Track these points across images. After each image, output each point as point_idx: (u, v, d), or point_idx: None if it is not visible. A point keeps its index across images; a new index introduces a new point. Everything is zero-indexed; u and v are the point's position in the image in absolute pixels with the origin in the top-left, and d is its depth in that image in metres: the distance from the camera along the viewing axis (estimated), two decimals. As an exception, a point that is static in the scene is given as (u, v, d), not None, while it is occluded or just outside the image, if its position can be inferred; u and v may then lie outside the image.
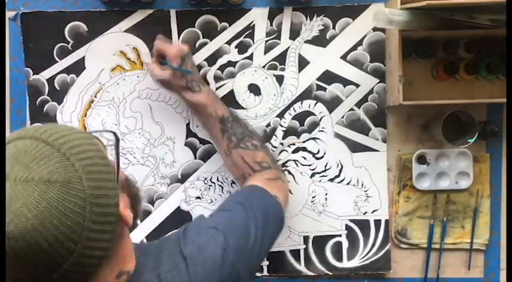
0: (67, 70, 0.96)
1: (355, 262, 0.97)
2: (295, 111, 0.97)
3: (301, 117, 0.97)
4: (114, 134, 0.63)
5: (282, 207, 0.82)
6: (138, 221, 0.96)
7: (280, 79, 0.96)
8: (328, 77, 0.96)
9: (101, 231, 0.53)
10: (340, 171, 0.97)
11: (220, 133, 0.88)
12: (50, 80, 0.96)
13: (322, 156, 0.97)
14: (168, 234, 0.75)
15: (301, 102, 0.97)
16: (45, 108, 0.96)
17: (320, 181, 0.97)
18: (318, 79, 0.96)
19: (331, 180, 0.97)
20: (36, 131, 0.54)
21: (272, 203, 0.80)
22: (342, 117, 0.97)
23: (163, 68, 0.87)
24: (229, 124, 0.87)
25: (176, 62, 0.85)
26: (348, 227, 0.97)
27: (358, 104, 0.97)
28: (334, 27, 0.96)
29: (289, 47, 0.96)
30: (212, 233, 0.69)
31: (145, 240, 0.96)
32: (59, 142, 0.53)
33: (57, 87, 0.96)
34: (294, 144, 0.97)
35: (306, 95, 0.96)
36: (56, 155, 0.52)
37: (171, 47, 0.87)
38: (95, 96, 0.96)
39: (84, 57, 0.96)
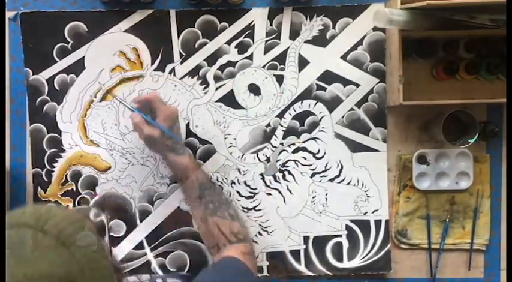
0: (67, 70, 0.96)
1: (356, 262, 0.97)
2: (295, 111, 0.97)
3: (301, 117, 0.97)
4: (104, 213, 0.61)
5: (253, 274, 0.81)
6: (138, 221, 0.96)
7: (280, 79, 0.96)
8: (328, 77, 0.96)
9: None
10: (340, 171, 0.97)
11: (197, 199, 0.88)
12: (50, 80, 0.96)
13: (322, 156, 0.97)
14: None
15: (301, 102, 0.97)
16: (44, 108, 0.96)
17: (320, 181, 0.97)
18: (318, 79, 0.96)
19: (331, 180, 0.97)
20: (31, 216, 0.50)
21: (248, 275, 0.79)
22: (342, 117, 0.97)
23: (152, 125, 0.85)
24: (207, 190, 0.87)
25: (166, 124, 0.85)
26: (348, 227, 0.97)
27: (358, 104, 0.96)
28: (334, 27, 0.96)
29: (289, 47, 0.96)
30: None
31: (145, 241, 0.96)
32: (52, 226, 0.50)
33: (57, 87, 0.96)
34: (294, 144, 0.97)
35: (306, 95, 0.96)
36: (52, 244, 0.49)
37: (165, 108, 0.86)
38: (95, 96, 0.96)
39: (83, 57, 0.96)
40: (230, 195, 0.96)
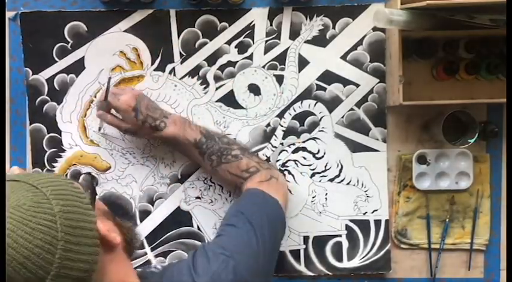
0: (67, 70, 0.96)
1: (355, 262, 0.97)
2: (295, 111, 0.97)
3: (301, 117, 0.97)
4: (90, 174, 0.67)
5: (281, 207, 0.83)
6: (138, 221, 0.96)
7: (280, 79, 0.96)
8: (328, 77, 0.96)
9: (77, 243, 0.56)
10: (340, 171, 0.97)
11: (200, 156, 0.88)
12: (50, 80, 0.96)
13: (322, 156, 0.97)
14: (174, 262, 0.75)
15: (301, 102, 0.97)
16: (44, 108, 0.96)
17: (320, 181, 0.97)
18: (318, 79, 0.96)
19: (331, 180, 0.97)
20: (23, 175, 0.60)
21: (271, 205, 0.82)
22: (342, 117, 0.97)
23: (117, 118, 0.88)
24: (204, 145, 0.88)
25: (128, 114, 0.86)
26: (348, 227, 0.97)
27: (358, 104, 0.96)
28: (334, 27, 0.96)
29: (289, 47, 0.96)
30: (221, 258, 0.71)
31: (145, 241, 0.96)
32: (30, 178, 0.58)
33: (57, 87, 0.96)
34: (294, 144, 0.97)
35: (306, 95, 0.96)
36: (24, 187, 0.57)
37: (119, 103, 0.86)
38: (95, 96, 0.96)
39: (83, 57, 0.96)
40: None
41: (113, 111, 0.89)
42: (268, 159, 0.96)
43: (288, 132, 0.97)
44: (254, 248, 0.74)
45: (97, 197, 0.66)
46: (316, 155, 0.97)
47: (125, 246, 0.67)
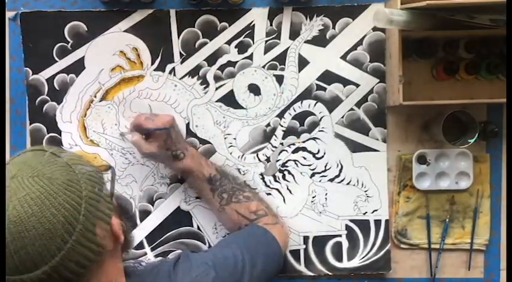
0: (67, 70, 0.96)
1: (355, 262, 0.97)
2: (295, 111, 0.97)
3: (301, 117, 0.97)
4: (112, 169, 0.68)
5: (280, 248, 0.84)
6: (138, 221, 0.96)
7: (280, 79, 0.96)
8: (328, 77, 0.96)
9: (93, 232, 0.58)
10: (340, 171, 0.97)
11: (211, 193, 0.89)
12: (50, 80, 0.96)
13: (322, 156, 0.97)
14: (158, 261, 0.76)
15: (301, 102, 0.97)
16: (44, 108, 0.96)
17: (320, 181, 0.97)
18: (318, 79, 0.96)
19: (331, 180, 0.97)
20: (46, 146, 0.63)
21: (271, 242, 0.83)
22: (342, 117, 0.97)
23: (149, 141, 0.87)
24: (217, 182, 0.89)
25: (158, 138, 0.86)
26: (348, 227, 0.97)
27: (358, 104, 0.96)
28: (334, 27, 0.96)
29: (289, 47, 0.96)
30: (203, 268, 0.72)
31: (145, 241, 0.96)
32: (65, 155, 0.61)
33: (57, 87, 0.96)
34: (294, 144, 0.97)
35: (305, 95, 0.96)
36: (60, 162, 0.59)
37: (155, 122, 0.86)
38: (95, 96, 0.96)
39: (83, 57, 0.96)
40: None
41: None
42: (268, 159, 0.96)
43: (288, 132, 0.97)
44: (239, 270, 0.74)
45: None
46: (316, 155, 0.97)
47: (123, 245, 0.68)
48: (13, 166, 0.57)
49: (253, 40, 0.96)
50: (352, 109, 0.97)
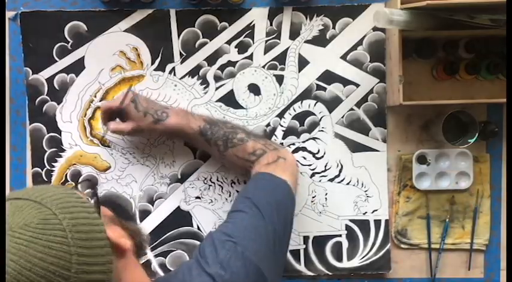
0: (66, 70, 0.96)
1: (355, 262, 0.97)
2: (295, 111, 0.97)
3: (301, 117, 0.97)
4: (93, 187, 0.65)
5: (289, 186, 0.82)
6: (138, 221, 0.96)
7: (280, 79, 0.96)
8: (328, 77, 0.96)
9: (91, 255, 0.54)
10: (340, 171, 0.97)
11: (206, 144, 0.88)
12: (50, 80, 0.96)
13: (322, 156, 0.97)
14: (181, 266, 0.73)
15: (301, 102, 0.97)
16: (44, 108, 0.96)
17: (320, 181, 0.97)
18: (318, 79, 0.96)
19: (331, 180, 0.97)
20: (24, 191, 0.58)
21: (278, 185, 0.82)
22: (342, 117, 0.97)
23: (126, 122, 0.87)
24: (208, 132, 0.87)
25: (128, 109, 0.87)
26: (347, 227, 0.97)
27: (358, 104, 0.96)
28: (334, 27, 0.96)
29: (289, 46, 0.96)
30: (228, 246, 0.70)
31: (145, 240, 0.96)
32: (31, 194, 0.56)
33: (57, 87, 0.96)
34: (294, 144, 0.97)
35: (305, 94, 0.96)
36: (30, 204, 0.55)
37: (115, 102, 0.88)
38: (95, 96, 0.96)
39: (83, 57, 0.96)
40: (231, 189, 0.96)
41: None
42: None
43: (288, 132, 0.97)
44: (262, 232, 0.73)
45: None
46: (316, 155, 0.97)
47: (135, 250, 0.66)
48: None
49: (253, 40, 0.96)
50: (352, 109, 0.97)
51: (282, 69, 0.96)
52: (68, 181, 0.96)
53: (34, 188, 0.59)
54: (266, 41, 0.96)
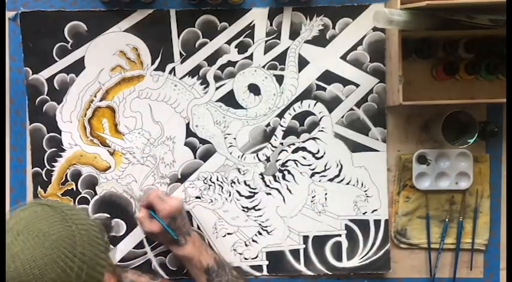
0: (66, 70, 0.96)
1: (355, 262, 0.97)
2: (295, 111, 0.97)
3: (301, 117, 0.97)
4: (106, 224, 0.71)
5: None
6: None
7: (280, 79, 0.96)
8: (328, 77, 0.96)
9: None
10: (340, 171, 0.97)
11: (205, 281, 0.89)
12: (50, 80, 0.96)
13: (322, 156, 0.97)
14: None
15: (301, 102, 0.97)
16: (44, 108, 0.96)
17: (320, 181, 0.97)
18: (318, 79, 0.96)
19: (331, 180, 0.97)
20: (47, 200, 0.66)
21: None
22: (342, 117, 0.97)
23: (153, 221, 0.88)
24: (214, 273, 0.88)
25: (167, 220, 0.87)
26: (347, 227, 0.97)
27: (358, 104, 0.96)
28: (334, 27, 0.96)
29: (289, 47, 0.96)
30: None
31: (145, 240, 0.96)
32: (64, 208, 0.63)
33: (57, 87, 0.96)
34: (293, 144, 0.97)
35: (305, 95, 0.96)
36: (59, 214, 0.61)
37: (165, 206, 0.87)
38: (95, 96, 0.96)
39: (83, 57, 0.96)
40: (231, 195, 0.97)
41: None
42: (268, 159, 0.96)
43: (288, 132, 0.97)
44: None
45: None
46: (316, 155, 0.97)
47: None
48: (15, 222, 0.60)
49: (253, 40, 0.96)
50: (352, 109, 0.97)
51: (282, 69, 0.96)
52: (68, 181, 0.96)
53: (69, 204, 0.67)
54: (266, 41, 0.96)
